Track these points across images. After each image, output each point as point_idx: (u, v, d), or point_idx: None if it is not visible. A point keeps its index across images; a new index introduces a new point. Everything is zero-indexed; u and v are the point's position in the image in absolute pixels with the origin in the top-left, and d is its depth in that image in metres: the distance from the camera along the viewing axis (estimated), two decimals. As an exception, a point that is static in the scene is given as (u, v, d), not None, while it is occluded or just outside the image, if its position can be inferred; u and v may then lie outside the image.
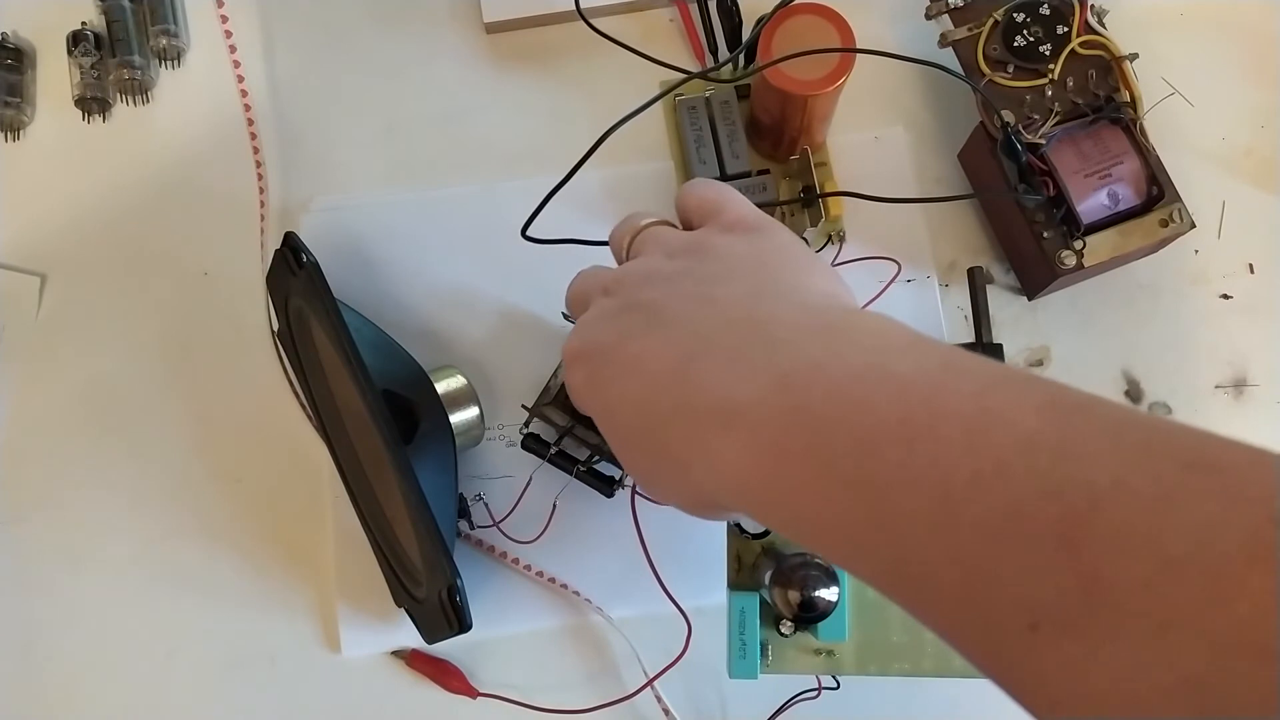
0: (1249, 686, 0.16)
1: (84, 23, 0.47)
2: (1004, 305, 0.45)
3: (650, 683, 0.40)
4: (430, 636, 0.38)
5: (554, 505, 0.41)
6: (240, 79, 0.47)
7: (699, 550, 0.39)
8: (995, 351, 0.39)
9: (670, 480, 0.28)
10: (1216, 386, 0.45)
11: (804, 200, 0.43)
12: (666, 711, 0.40)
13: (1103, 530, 0.18)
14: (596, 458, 0.39)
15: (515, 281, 0.44)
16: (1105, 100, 0.41)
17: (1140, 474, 0.18)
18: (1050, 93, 0.41)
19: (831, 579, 0.34)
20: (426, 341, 0.43)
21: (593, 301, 0.32)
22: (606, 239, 0.35)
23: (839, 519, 0.23)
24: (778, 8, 0.40)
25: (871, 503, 0.22)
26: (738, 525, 0.36)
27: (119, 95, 0.47)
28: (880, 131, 0.47)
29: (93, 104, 0.47)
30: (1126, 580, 0.17)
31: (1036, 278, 0.43)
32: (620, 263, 0.34)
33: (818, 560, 0.34)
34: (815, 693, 0.38)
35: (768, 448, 0.24)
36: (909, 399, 0.22)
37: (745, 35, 0.47)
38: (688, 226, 0.34)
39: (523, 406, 0.39)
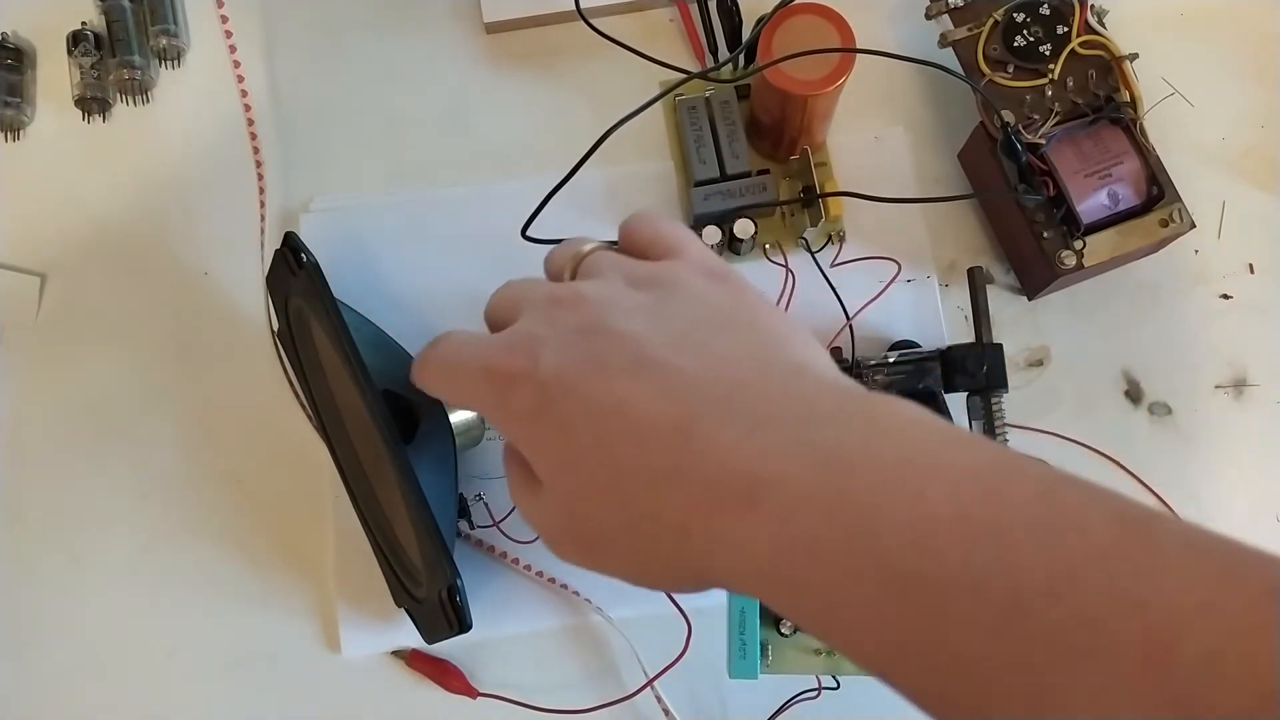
0: None
1: (84, 23, 0.47)
2: (1004, 305, 0.45)
3: (650, 683, 0.40)
4: (430, 636, 0.38)
5: (554, 505, 0.41)
6: (240, 79, 0.47)
7: (699, 550, 0.39)
8: (995, 351, 0.39)
9: (652, 548, 0.25)
10: (1216, 386, 0.45)
11: (804, 200, 0.43)
12: (666, 711, 0.40)
13: (1194, 653, 0.17)
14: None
15: (515, 281, 0.44)
16: (1105, 100, 0.41)
17: (1228, 598, 0.18)
18: (1050, 93, 0.41)
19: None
20: (426, 341, 0.43)
21: (529, 309, 0.28)
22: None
23: (883, 619, 0.21)
24: (778, 8, 0.40)
25: (925, 604, 0.20)
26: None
27: (119, 95, 0.47)
28: (880, 131, 0.47)
29: (93, 104, 0.46)
30: (1225, 707, 0.17)
31: (1036, 278, 0.43)
32: None
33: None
34: (815, 693, 0.38)
35: (803, 533, 0.22)
36: (967, 495, 0.21)
37: (745, 35, 0.47)
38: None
39: (523, 406, 0.39)
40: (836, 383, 0.25)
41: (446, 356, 0.30)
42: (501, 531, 0.41)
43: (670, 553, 0.24)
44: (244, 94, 0.47)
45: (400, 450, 0.37)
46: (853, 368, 0.41)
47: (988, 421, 0.39)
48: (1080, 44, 0.41)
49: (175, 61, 0.47)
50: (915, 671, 0.21)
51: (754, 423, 0.23)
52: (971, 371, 0.39)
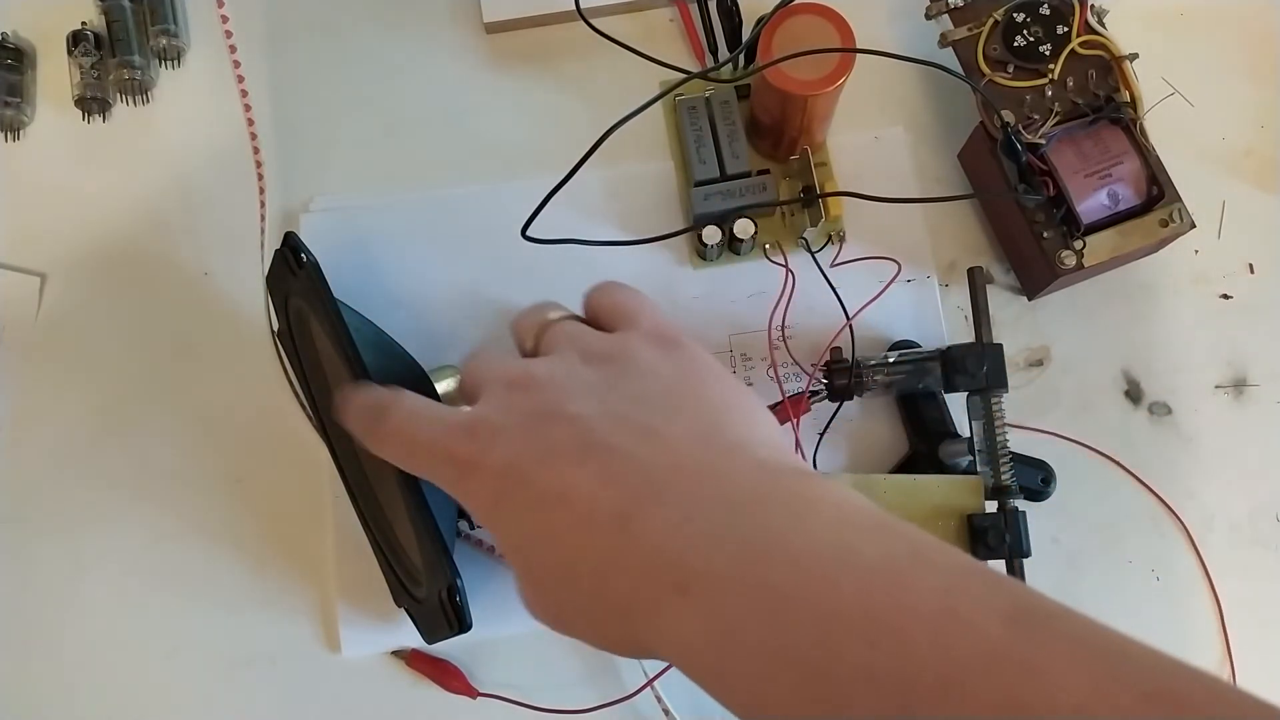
0: None
1: (84, 23, 0.47)
2: (1004, 305, 0.45)
3: (650, 683, 0.40)
4: (430, 636, 0.38)
5: (554, 505, 0.41)
6: (240, 79, 0.47)
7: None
8: (995, 351, 0.39)
9: (605, 624, 0.26)
10: (1216, 386, 0.45)
11: (804, 200, 0.43)
12: (666, 712, 0.40)
13: None
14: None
15: (515, 281, 0.44)
16: (1105, 100, 0.41)
17: (1101, 703, 0.19)
18: (1050, 93, 0.41)
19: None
20: (426, 341, 0.43)
21: (487, 390, 0.29)
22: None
23: (794, 710, 0.22)
24: (778, 8, 0.40)
25: (831, 699, 0.21)
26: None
27: (119, 95, 0.47)
28: (880, 131, 0.47)
29: (93, 104, 0.47)
30: None
31: (1036, 278, 0.43)
32: (525, 355, 0.33)
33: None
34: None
35: (725, 624, 0.23)
36: (874, 590, 0.22)
37: (745, 35, 0.47)
38: (597, 327, 0.32)
39: (523, 406, 0.39)
40: (765, 463, 0.27)
41: (406, 432, 0.31)
42: (501, 531, 0.41)
43: (622, 630, 0.26)
44: (244, 94, 0.47)
45: (400, 450, 0.36)
46: (853, 368, 0.41)
47: (988, 421, 0.39)
48: (1080, 44, 0.41)
49: (175, 61, 0.47)
50: None
51: (685, 511, 0.25)
52: (971, 371, 0.39)
